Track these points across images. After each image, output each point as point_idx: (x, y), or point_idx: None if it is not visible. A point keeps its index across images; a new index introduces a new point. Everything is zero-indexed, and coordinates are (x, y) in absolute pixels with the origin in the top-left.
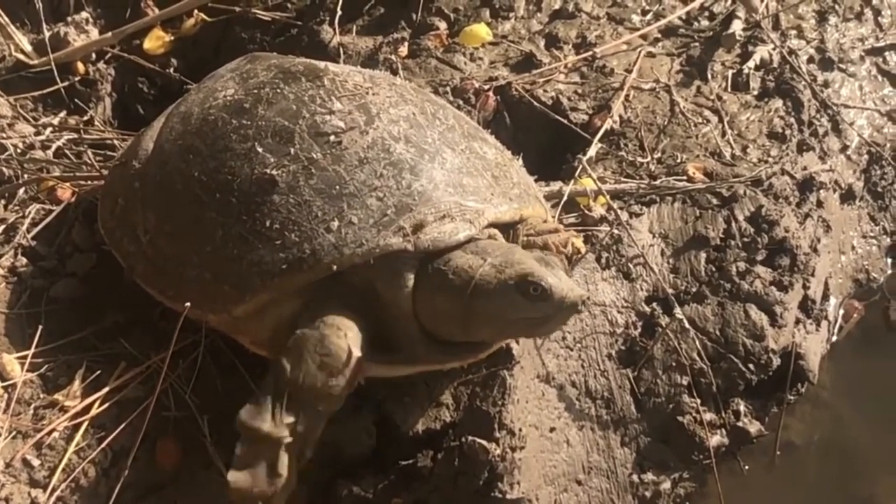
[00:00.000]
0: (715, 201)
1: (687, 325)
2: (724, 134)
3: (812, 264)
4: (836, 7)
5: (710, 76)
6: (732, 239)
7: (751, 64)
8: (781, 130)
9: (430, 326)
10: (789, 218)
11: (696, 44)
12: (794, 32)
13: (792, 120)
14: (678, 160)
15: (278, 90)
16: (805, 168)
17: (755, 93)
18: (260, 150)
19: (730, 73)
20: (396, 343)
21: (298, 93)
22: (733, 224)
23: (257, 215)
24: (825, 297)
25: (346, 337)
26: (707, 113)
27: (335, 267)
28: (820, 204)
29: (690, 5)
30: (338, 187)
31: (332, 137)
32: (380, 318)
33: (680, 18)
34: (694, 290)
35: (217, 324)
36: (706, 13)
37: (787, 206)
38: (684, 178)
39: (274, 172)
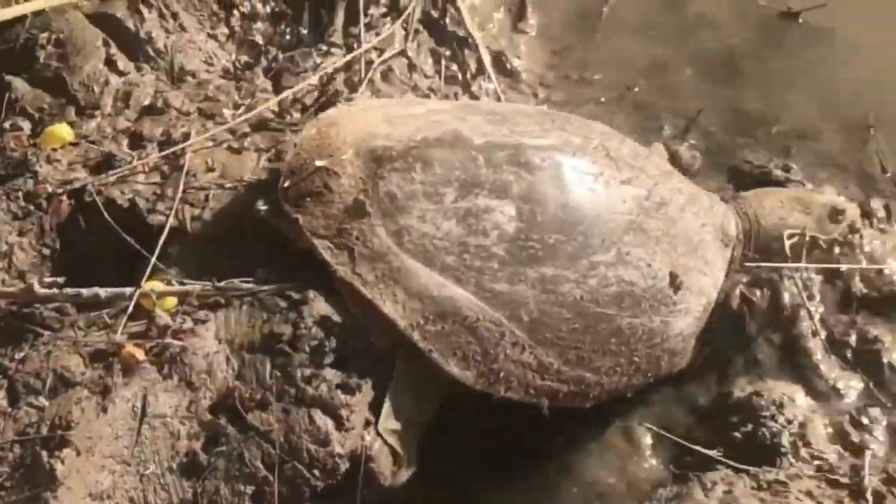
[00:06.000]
0: (283, 304)
1: (251, 434)
2: None
3: None
4: None
5: None
6: (300, 342)
7: None
8: None
9: None
10: None
11: (288, 137)
12: None
13: None
14: None
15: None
16: None
17: None
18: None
19: None
20: None
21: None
22: (302, 327)
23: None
24: None
25: None
26: None
27: None
28: None
29: (280, 96)
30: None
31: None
32: None
33: (272, 111)
34: (259, 397)
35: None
36: (298, 105)
37: None
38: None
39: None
